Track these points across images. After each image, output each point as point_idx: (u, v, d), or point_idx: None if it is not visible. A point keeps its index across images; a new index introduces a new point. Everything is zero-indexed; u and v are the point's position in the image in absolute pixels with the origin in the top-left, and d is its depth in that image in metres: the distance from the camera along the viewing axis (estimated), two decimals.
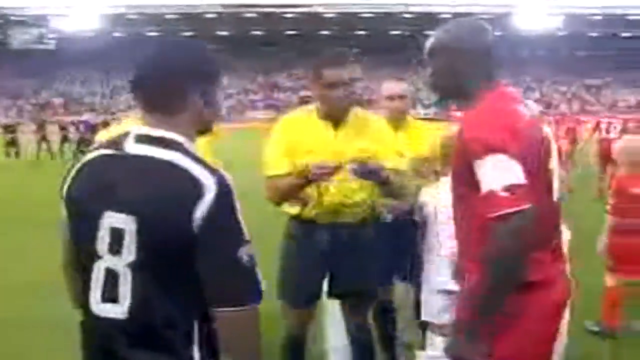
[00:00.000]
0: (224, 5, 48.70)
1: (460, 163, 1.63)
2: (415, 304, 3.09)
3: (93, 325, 1.33)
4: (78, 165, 1.39)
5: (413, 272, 2.95)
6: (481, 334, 1.55)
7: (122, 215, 1.27)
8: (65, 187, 1.38)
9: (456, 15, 49.01)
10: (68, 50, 47.08)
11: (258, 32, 53.31)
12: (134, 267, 1.26)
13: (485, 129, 1.55)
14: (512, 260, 1.50)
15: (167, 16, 49.78)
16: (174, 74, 1.32)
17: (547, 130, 1.73)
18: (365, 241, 2.52)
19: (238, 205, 1.27)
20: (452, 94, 1.78)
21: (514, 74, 49.89)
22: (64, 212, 1.39)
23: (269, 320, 2.86)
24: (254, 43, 54.33)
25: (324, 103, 2.40)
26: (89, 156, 1.38)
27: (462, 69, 1.68)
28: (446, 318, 2.34)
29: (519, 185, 1.49)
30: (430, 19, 49.64)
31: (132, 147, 1.32)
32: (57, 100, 47.24)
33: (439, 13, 47.68)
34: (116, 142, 1.35)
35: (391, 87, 3.03)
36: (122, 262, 1.27)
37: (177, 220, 1.23)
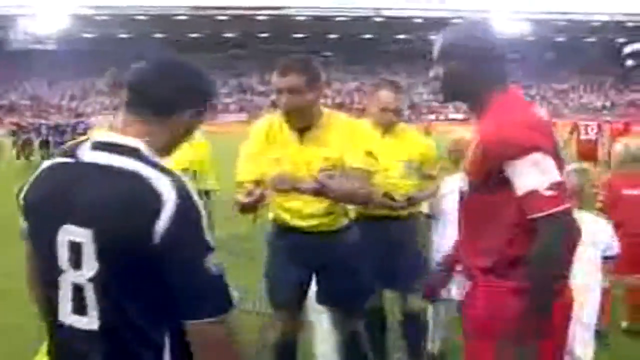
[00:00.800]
0: (195, 8, 48.31)
1: (481, 166, 1.58)
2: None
3: (65, 338, 1.28)
4: (36, 172, 1.32)
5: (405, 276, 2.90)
6: (530, 336, 1.50)
7: (79, 229, 1.20)
8: (22, 195, 1.32)
9: (426, 19, 49.69)
10: (36, 51, 46.06)
11: (230, 35, 53.03)
12: (96, 281, 1.21)
13: (514, 129, 1.52)
14: (563, 257, 1.49)
15: (137, 17, 49.12)
16: (174, 90, 1.30)
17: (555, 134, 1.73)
18: (345, 248, 2.49)
19: (201, 212, 1.22)
20: (462, 97, 1.73)
21: None
22: (23, 222, 1.32)
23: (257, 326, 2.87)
24: (225, 46, 53.99)
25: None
26: (46, 164, 1.32)
27: (476, 71, 1.64)
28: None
29: (559, 183, 1.49)
30: (400, 23, 50.17)
31: (87, 155, 1.26)
32: (24, 103, 46.14)
33: (410, 17, 48.25)
34: (72, 150, 1.29)
35: (388, 100, 2.88)
36: (84, 277, 1.22)
37: (137, 233, 1.17)
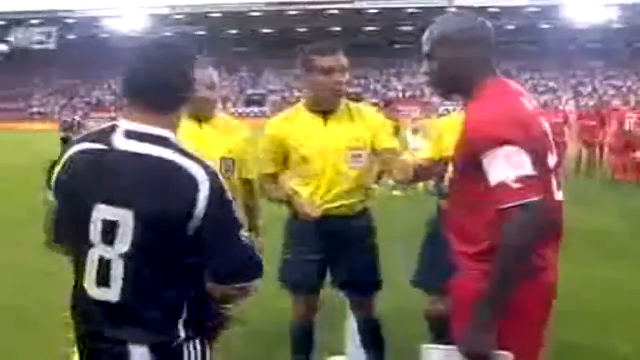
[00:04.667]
0: (267, 4, 49.11)
1: (465, 156, 1.63)
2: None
3: (86, 307, 1.41)
4: (66, 156, 1.43)
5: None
6: (491, 324, 1.55)
7: (116, 209, 1.33)
8: (55, 177, 1.44)
9: (503, 9, 47.90)
10: (118, 49, 48.58)
11: (302, 29, 53.50)
12: (127, 257, 1.34)
13: (493, 121, 1.55)
14: (524, 250, 1.52)
15: (212, 15, 50.60)
16: (175, 79, 1.39)
17: (546, 125, 1.72)
18: (364, 231, 2.59)
19: (230, 194, 1.38)
20: (453, 88, 1.76)
21: (566, 67, 48.22)
22: (51, 199, 1.46)
23: (280, 310, 2.91)
24: (297, 40, 54.56)
25: (318, 91, 2.46)
26: (76, 149, 1.42)
27: (463, 62, 1.67)
28: None
29: (530, 177, 1.51)
30: (475, 14, 48.56)
31: (121, 143, 1.37)
32: (109, 99, 48.85)
33: (485, 7, 46.61)
34: (104, 137, 1.39)
35: None
36: (115, 252, 1.34)
37: (177, 216, 1.31)
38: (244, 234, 1.38)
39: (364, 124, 2.51)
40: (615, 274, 4.52)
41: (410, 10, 50.11)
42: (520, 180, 1.50)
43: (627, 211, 7.30)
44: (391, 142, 2.55)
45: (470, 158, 1.59)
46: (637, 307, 3.85)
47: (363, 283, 2.61)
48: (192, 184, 1.31)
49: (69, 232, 1.43)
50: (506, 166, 1.51)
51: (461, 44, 1.67)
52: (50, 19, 50.88)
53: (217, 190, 1.33)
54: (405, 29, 52.80)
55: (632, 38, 49.68)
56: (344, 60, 2.44)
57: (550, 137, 1.70)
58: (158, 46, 1.44)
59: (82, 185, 1.37)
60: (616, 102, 12.60)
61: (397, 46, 51.06)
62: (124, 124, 1.39)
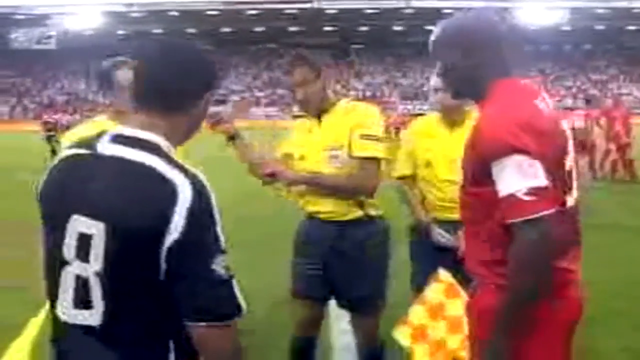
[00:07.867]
0: (225, 3, 48.63)
1: (472, 163, 1.53)
2: None
3: (62, 333, 1.25)
4: (52, 165, 1.30)
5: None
6: (508, 346, 1.46)
7: (91, 221, 1.17)
8: (39, 187, 1.29)
9: (458, 10, 48.59)
10: (71, 48, 47.15)
11: (260, 29, 53.21)
12: (102, 275, 1.17)
13: (504, 128, 1.44)
14: (541, 266, 1.42)
15: (170, 13, 49.77)
16: (192, 77, 1.26)
17: (565, 126, 1.62)
18: (363, 241, 2.41)
19: (216, 214, 1.19)
20: (463, 90, 1.66)
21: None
22: (39, 214, 1.31)
23: (278, 326, 2.81)
24: (256, 40, 54.22)
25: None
26: (61, 155, 1.30)
27: (474, 62, 1.56)
28: None
29: (542, 188, 1.41)
30: (431, 14, 49.47)
31: (105, 148, 1.23)
32: (61, 98, 47.33)
33: (441, 8, 47.49)
34: (90, 142, 1.26)
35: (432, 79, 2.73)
36: (91, 270, 1.18)
37: (151, 227, 1.13)
38: (223, 262, 1.17)
39: (347, 121, 2.39)
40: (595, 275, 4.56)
41: (368, 11, 50.56)
42: (532, 192, 1.40)
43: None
44: (364, 149, 2.33)
45: (479, 164, 1.49)
46: (619, 307, 3.88)
47: (358, 301, 2.43)
48: (170, 195, 1.14)
49: (46, 247, 1.27)
50: (517, 176, 1.41)
51: (472, 47, 1.55)
52: None
53: (200, 206, 1.15)
54: (363, 29, 53.23)
55: (580, 40, 51.57)
56: (301, 74, 2.38)
57: (569, 137, 1.59)
58: (177, 46, 1.30)
59: (59, 194, 1.23)
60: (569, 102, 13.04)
61: (355, 46, 51.43)
62: (116, 128, 1.26)
